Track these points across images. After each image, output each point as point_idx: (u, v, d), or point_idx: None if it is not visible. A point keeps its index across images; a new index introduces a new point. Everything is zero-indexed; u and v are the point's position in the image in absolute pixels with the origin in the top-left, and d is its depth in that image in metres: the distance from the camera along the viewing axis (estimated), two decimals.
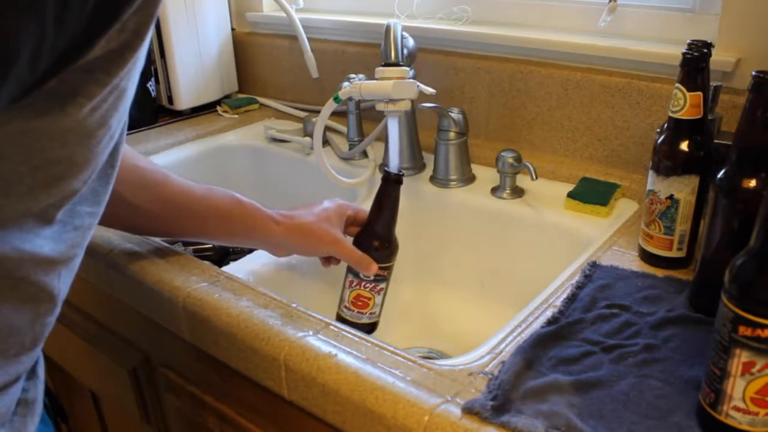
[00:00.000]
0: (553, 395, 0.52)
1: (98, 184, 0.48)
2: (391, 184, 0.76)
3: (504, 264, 0.95)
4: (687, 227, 0.69)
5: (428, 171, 1.03)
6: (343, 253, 0.75)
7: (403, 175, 0.77)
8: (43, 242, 0.45)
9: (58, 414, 0.92)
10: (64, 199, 0.44)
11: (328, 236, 0.74)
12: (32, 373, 0.54)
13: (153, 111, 1.26)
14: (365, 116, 1.13)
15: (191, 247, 1.06)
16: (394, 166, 0.78)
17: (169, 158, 1.16)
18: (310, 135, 1.15)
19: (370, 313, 0.77)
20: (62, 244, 0.47)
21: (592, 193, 0.88)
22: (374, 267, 0.75)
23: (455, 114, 0.96)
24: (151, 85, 1.24)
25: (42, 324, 0.49)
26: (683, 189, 0.68)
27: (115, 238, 0.81)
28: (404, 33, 0.92)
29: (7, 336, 0.46)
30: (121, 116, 0.45)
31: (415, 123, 1.03)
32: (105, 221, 0.58)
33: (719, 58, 0.81)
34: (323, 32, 1.24)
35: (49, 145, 0.40)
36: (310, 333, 0.62)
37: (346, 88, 0.88)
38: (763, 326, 0.43)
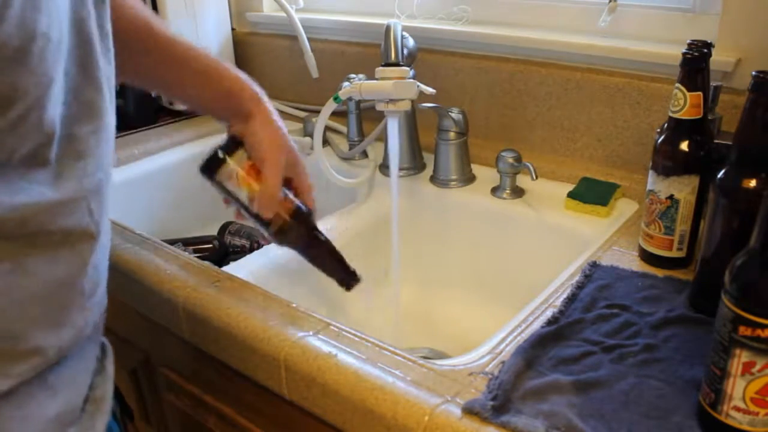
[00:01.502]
0: (553, 395, 0.52)
1: (88, 95, 0.44)
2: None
3: (504, 264, 0.95)
4: (687, 227, 0.69)
5: (428, 171, 1.03)
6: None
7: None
8: (42, 189, 0.41)
9: (125, 412, 0.90)
10: (47, 135, 0.40)
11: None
12: (101, 367, 0.52)
13: (153, 111, 1.26)
14: (365, 116, 1.13)
15: (191, 247, 1.06)
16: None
17: (169, 158, 1.16)
18: (310, 135, 1.15)
19: None
20: (69, 181, 0.43)
21: (592, 193, 0.88)
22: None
23: (455, 114, 0.96)
24: None
25: (94, 264, 0.47)
26: (683, 189, 0.68)
27: (115, 238, 0.81)
28: (404, 33, 0.92)
29: (53, 292, 0.44)
30: (58, 18, 0.39)
31: (415, 123, 1.03)
32: None
33: (719, 58, 0.81)
34: (323, 32, 1.24)
35: None
36: (310, 333, 0.62)
37: (346, 88, 0.88)
38: (763, 326, 0.43)
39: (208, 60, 0.69)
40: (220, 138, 0.71)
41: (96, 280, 0.48)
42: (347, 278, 0.74)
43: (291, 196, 0.71)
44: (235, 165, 0.69)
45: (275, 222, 0.70)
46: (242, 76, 0.70)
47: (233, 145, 0.70)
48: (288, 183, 0.71)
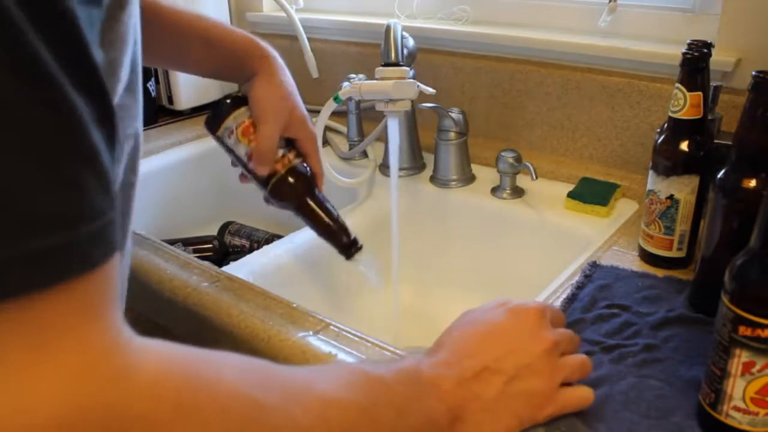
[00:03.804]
0: None
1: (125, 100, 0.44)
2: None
3: (504, 264, 0.95)
4: (687, 227, 0.69)
5: (428, 171, 1.03)
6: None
7: None
8: None
9: None
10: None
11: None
12: None
13: (153, 111, 1.26)
14: (365, 116, 1.13)
15: (191, 247, 1.06)
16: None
17: (169, 158, 1.16)
18: None
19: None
20: None
21: (592, 193, 0.88)
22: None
23: (455, 114, 0.96)
24: (151, 85, 1.24)
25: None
26: (683, 189, 0.68)
27: None
28: (404, 33, 0.92)
29: None
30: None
31: (415, 123, 1.03)
32: None
33: (719, 58, 0.81)
34: (323, 32, 1.24)
35: None
36: (310, 333, 0.62)
37: (346, 88, 0.88)
38: (763, 326, 0.43)
39: (215, 28, 0.69)
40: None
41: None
42: (347, 246, 0.72)
43: (292, 155, 0.71)
44: (234, 121, 0.70)
45: (272, 179, 0.70)
46: (249, 37, 0.70)
47: (238, 102, 0.71)
48: (293, 143, 0.72)
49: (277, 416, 0.37)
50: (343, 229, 0.72)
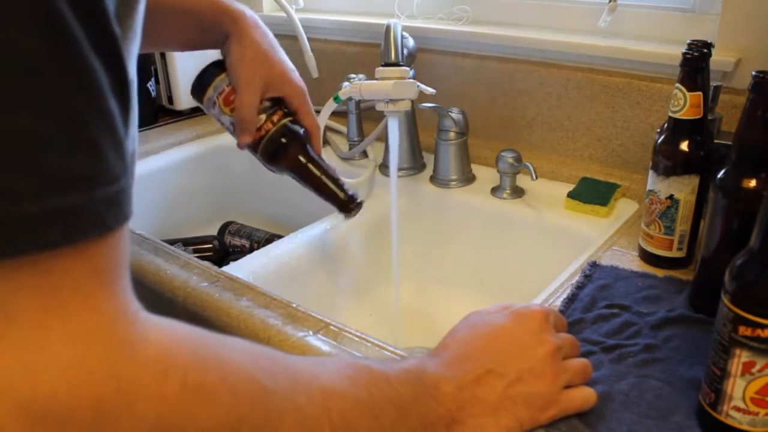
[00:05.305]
0: None
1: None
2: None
3: (504, 264, 0.95)
4: (687, 227, 0.69)
5: (428, 171, 1.03)
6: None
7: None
8: None
9: None
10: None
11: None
12: None
13: (153, 111, 1.26)
14: (365, 116, 1.13)
15: (191, 247, 1.06)
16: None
17: (169, 158, 1.16)
18: None
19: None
20: None
21: (592, 193, 0.88)
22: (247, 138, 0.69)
23: (455, 114, 0.96)
24: (151, 85, 1.24)
25: None
26: (683, 189, 0.68)
27: None
28: (404, 33, 0.92)
29: None
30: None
31: (415, 123, 1.03)
32: None
33: (719, 58, 0.81)
34: (323, 32, 1.24)
35: None
36: (310, 333, 0.62)
37: (346, 88, 0.88)
38: (763, 326, 0.43)
39: None
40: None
41: None
42: (345, 202, 0.70)
43: (278, 115, 0.67)
44: (214, 91, 0.67)
45: (260, 143, 0.67)
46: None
47: (218, 69, 0.68)
48: (281, 101, 0.69)
49: (283, 402, 0.38)
50: (340, 186, 0.70)
